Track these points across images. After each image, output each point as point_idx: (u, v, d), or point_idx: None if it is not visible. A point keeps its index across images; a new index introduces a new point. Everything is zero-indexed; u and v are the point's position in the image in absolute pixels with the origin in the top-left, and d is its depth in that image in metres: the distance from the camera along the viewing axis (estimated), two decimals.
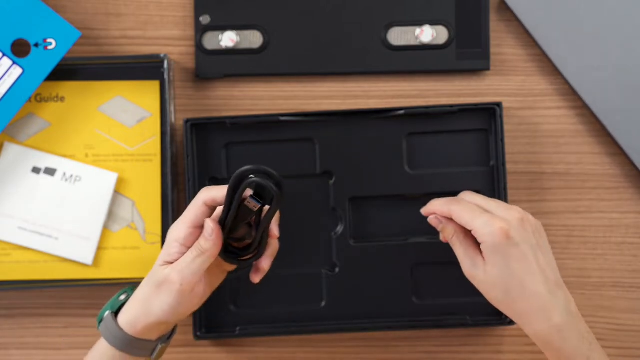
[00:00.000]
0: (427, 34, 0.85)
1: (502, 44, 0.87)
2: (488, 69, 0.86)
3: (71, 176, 0.85)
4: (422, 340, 0.87)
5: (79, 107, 0.85)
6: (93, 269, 0.85)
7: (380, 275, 0.85)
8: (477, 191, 0.85)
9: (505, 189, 0.84)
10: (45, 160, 0.85)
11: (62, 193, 0.84)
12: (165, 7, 0.87)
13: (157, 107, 0.85)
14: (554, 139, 0.87)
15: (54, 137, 0.85)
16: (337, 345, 0.87)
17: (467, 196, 0.79)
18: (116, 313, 0.74)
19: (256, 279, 0.75)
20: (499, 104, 0.84)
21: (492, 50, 0.87)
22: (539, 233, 0.74)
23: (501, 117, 0.84)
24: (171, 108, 0.85)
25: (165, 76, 0.84)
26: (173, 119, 0.86)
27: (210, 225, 0.71)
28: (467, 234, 0.75)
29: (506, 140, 0.86)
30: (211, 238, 0.71)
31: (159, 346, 0.75)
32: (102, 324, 0.74)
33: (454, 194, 0.83)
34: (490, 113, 0.85)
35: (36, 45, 0.82)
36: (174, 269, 0.72)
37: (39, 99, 0.85)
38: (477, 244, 0.74)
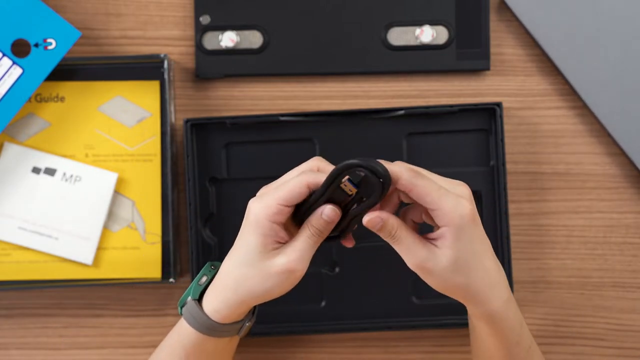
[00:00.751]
0: (427, 34, 0.85)
1: (502, 44, 0.87)
2: (488, 69, 0.86)
3: (71, 176, 0.85)
4: (422, 340, 0.87)
5: (79, 107, 0.85)
6: (93, 269, 0.85)
7: (380, 275, 0.85)
8: (478, 191, 0.85)
9: (505, 189, 0.84)
10: (45, 160, 0.85)
11: (62, 193, 0.84)
12: (165, 7, 0.87)
13: (157, 107, 0.85)
14: (554, 139, 0.87)
15: (54, 137, 0.85)
16: (337, 345, 0.87)
17: (418, 169, 0.70)
18: (199, 298, 0.72)
19: (350, 244, 0.73)
20: (499, 104, 0.84)
21: (492, 50, 0.87)
22: None
23: (501, 117, 0.84)
24: (171, 108, 0.85)
25: (165, 76, 0.84)
26: (173, 119, 0.86)
27: (335, 209, 0.68)
28: (407, 222, 0.71)
29: (506, 140, 0.86)
30: (332, 221, 0.69)
31: (247, 324, 0.74)
32: (184, 310, 0.72)
33: None
34: (490, 113, 0.85)
35: (36, 45, 0.82)
36: (294, 256, 0.68)
37: (39, 99, 0.85)
38: (418, 233, 0.70)
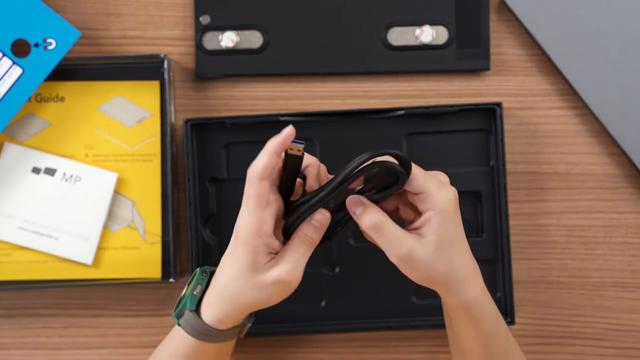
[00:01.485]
0: (427, 34, 0.85)
1: (502, 44, 0.87)
2: (488, 69, 0.86)
3: (71, 176, 0.85)
4: (422, 340, 0.87)
5: (79, 107, 0.85)
6: (93, 269, 0.85)
7: (380, 275, 0.85)
8: (478, 191, 0.85)
9: (505, 189, 0.84)
10: (45, 160, 0.85)
11: (62, 193, 0.84)
12: (165, 7, 0.87)
13: (157, 107, 0.85)
14: (554, 139, 0.87)
15: (54, 137, 0.85)
16: (337, 345, 0.87)
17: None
18: (196, 307, 0.72)
19: None
20: (499, 104, 0.84)
21: (492, 50, 0.87)
22: None
23: (501, 117, 0.84)
24: (171, 108, 0.85)
25: (165, 76, 0.84)
26: (173, 119, 0.86)
27: (326, 215, 0.69)
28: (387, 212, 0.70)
29: (506, 140, 0.86)
30: (323, 226, 0.69)
31: (247, 325, 0.74)
32: (182, 321, 0.72)
33: None
34: (490, 113, 0.85)
35: (36, 45, 0.82)
36: (287, 268, 0.69)
37: (39, 99, 0.85)
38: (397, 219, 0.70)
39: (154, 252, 0.85)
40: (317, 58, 0.86)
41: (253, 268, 0.69)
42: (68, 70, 0.85)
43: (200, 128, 0.85)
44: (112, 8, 0.87)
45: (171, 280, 0.84)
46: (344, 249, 0.85)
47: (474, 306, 0.70)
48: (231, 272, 0.69)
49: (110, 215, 0.85)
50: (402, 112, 0.84)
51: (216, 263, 0.86)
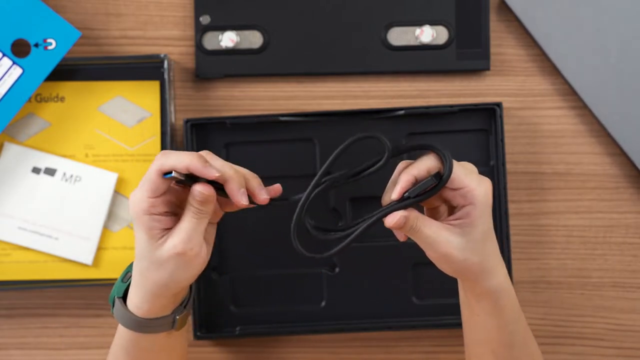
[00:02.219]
0: (427, 34, 0.85)
1: (502, 44, 0.87)
2: (488, 69, 0.86)
3: (71, 176, 0.85)
4: (422, 340, 0.87)
5: (79, 107, 0.85)
6: (93, 269, 0.85)
7: (380, 275, 0.85)
8: None
9: (505, 189, 0.84)
10: (45, 160, 0.85)
11: (62, 193, 0.84)
12: (165, 7, 0.87)
13: (157, 107, 0.85)
14: (554, 139, 0.87)
15: (54, 137, 0.85)
16: (337, 345, 0.87)
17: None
18: (124, 296, 0.72)
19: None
20: (499, 104, 0.84)
21: (492, 50, 0.87)
22: None
23: (501, 117, 0.84)
24: (171, 108, 0.85)
25: (165, 76, 0.84)
26: (173, 119, 0.86)
27: (205, 187, 0.67)
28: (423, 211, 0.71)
29: (506, 140, 0.86)
30: (206, 200, 0.67)
31: (177, 318, 0.73)
32: (114, 309, 0.73)
33: None
34: (490, 113, 0.85)
35: (36, 45, 0.82)
36: (179, 239, 0.67)
37: (39, 99, 0.85)
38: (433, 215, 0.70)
39: None
40: (317, 58, 0.86)
41: (150, 245, 0.68)
42: (68, 70, 0.85)
43: (200, 128, 0.84)
44: (112, 8, 0.87)
45: None
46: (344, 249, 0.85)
47: (501, 291, 0.70)
48: (136, 252, 0.70)
49: (110, 215, 0.85)
50: (402, 112, 0.84)
51: (214, 262, 0.86)
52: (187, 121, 0.83)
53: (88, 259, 0.84)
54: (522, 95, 0.87)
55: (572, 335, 0.87)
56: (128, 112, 0.85)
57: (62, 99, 0.85)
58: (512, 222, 0.86)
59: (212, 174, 0.67)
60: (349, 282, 0.85)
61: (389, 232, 0.85)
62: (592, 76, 0.85)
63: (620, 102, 0.85)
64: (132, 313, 0.71)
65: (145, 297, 0.70)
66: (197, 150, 0.84)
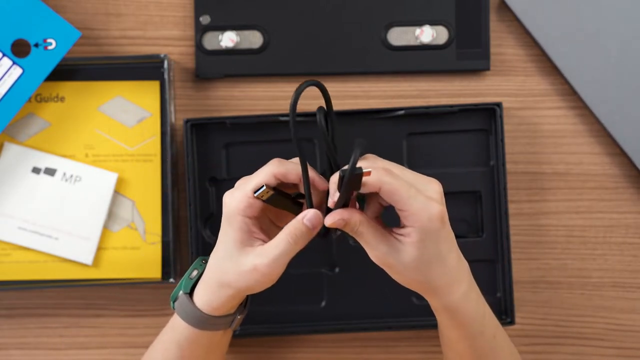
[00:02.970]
0: (427, 34, 0.85)
1: (502, 44, 0.87)
2: (488, 69, 0.86)
3: (71, 176, 0.85)
4: (422, 340, 0.87)
5: (79, 107, 0.85)
6: (93, 269, 0.85)
7: (380, 275, 0.85)
8: (478, 191, 0.85)
9: (505, 189, 0.84)
10: (45, 160, 0.85)
11: (62, 193, 0.84)
12: (165, 7, 0.87)
13: (157, 107, 0.85)
14: (554, 139, 0.87)
15: (54, 137, 0.85)
16: (337, 345, 0.87)
17: (389, 165, 0.67)
18: (190, 291, 0.72)
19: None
20: (499, 104, 0.84)
21: (492, 50, 0.87)
22: None
23: (501, 117, 0.84)
24: (171, 108, 0.85)
25: (165, 76, 0.84)
26: (173, 119, 0.86)
27: (319, 214, 0.68)
28: (371, 217, 0.69)
29: (506, 140, 0.86)
30: (315, 227, 0.68)
31: (238, 317, 0.74)
32: (176, 304, 0.73)
33: (453, 194, 0.83)
34: (490, 113, 0.85)
35: (36, 45, 0.82)
36: (263, 261, 0.68)
37: (39, 99, 0.85)
38: (383, 225, 0.68)
39: (154, 252, 0.85)
40: (317, 58, 0.86)
41: (237, 247, 0.69)
42: (68, 70, 0.85)
43: (200, 128, 0.85)
44: (112, 8, 0.87)
45: (171, 280, 0.84)
46: (344, 249, 0.85)
47: (455, 309, 0.69)
48: (219, 251, 0.70)
49: (110, 215, 0.85)
50: (402, 112, 0.84)
51: None
52: (187, 121, 0.83)
53: (88, 259, 0.84)
54: (522, 95, 0.87)
55: (572, 335, 0.87)
56: (128, 112, 0.85)
57: (62, 99, 0.85)
58: (512, 222, 0.86)
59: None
60: (349, 282, 0.85)
61: None
62: (592, 76, 0.85)
63: (620, 102, 0.85)
64: (199, 310, 0.71)
65: (218, 295, 0.70)
66: (197, 150, 0.84)
